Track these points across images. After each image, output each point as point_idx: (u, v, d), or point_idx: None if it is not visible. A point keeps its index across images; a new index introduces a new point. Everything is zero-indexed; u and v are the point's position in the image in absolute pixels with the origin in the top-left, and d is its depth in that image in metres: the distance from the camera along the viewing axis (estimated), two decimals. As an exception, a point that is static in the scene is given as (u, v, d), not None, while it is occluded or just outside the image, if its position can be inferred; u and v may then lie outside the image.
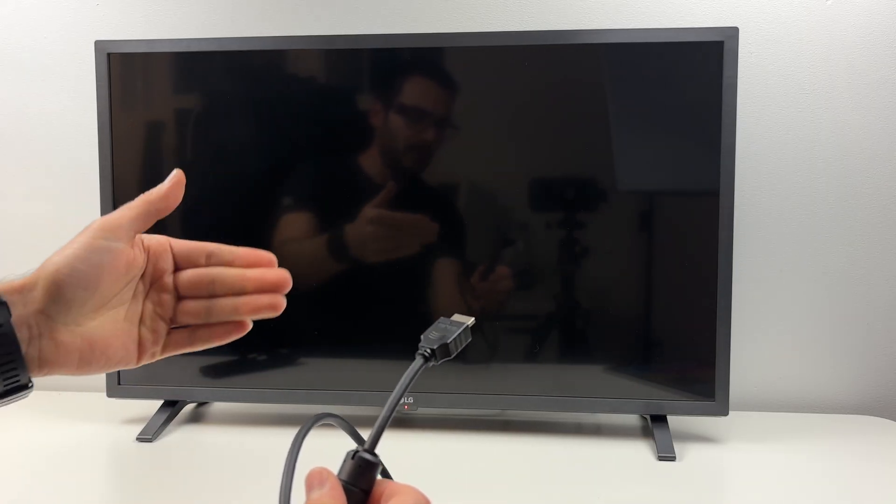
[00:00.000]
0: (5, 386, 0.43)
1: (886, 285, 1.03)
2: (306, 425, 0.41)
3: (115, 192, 0.95)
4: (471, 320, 0.47)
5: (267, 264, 0.51)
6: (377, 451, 0.42)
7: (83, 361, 0.46)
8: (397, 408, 0.43)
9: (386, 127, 0.92)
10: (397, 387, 0.42)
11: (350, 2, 1.07)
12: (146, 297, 0.50)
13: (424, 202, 0.94)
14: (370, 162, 0.93)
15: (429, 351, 0.45)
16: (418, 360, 0.44)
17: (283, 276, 0.51)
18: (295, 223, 0.94)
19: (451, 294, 0.93)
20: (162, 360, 0.99)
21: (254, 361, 0.96)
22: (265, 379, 0.96)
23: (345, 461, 0.41)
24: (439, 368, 0.95)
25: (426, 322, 0.97)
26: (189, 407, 1.04)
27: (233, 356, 0.96)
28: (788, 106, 1.02)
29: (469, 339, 0.47)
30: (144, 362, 0.50)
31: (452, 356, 0.45)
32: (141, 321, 0.49)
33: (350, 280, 0.94)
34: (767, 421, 0.99)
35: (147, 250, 0.49)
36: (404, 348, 0.97)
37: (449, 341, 0.45)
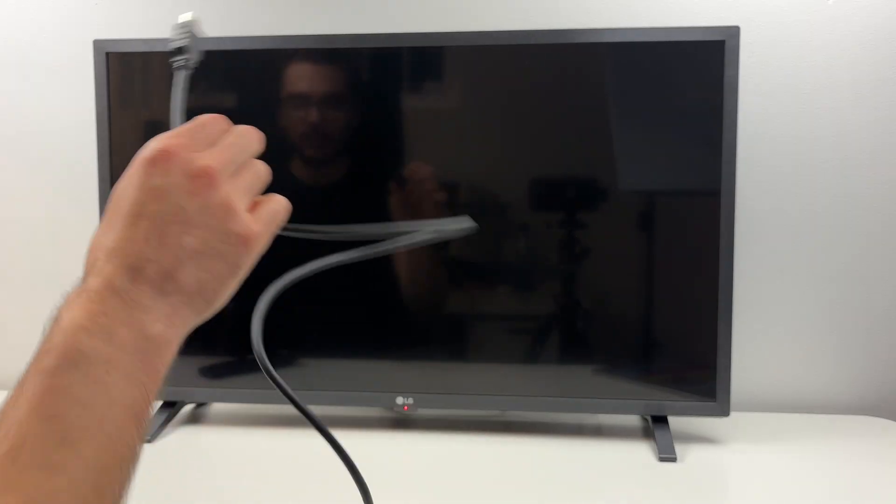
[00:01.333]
0: None
1: (887, 285, 1.03)
2: None
3: (114, 191, 0.95)
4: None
5: None
6: None
7: None
8: None
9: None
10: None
11: (351, 1, 1.07)
12: None
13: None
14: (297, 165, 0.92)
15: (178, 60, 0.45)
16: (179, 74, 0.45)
17: None
18: None
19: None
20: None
21: (253, 362, 0.95)
22: (264, 379, 0.95)
23: None
24: (439, 368, 0.95)
25: (426, 322, 0.97)
26: (188, 408, 1.03)
27: (232, 357, 0.96)
28: (790, 105, 1.02)
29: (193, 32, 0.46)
30: None
31: (193, 52, 0.47)
32: None
33: (349, 280, 0.94)
34: (768, 421, 0.99)
35: None
36: (405, 348, 0.97)
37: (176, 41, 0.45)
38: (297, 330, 0.95)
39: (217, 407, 1.06)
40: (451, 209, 0.92)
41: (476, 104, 0.92)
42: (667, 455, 0.85)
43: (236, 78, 0.94)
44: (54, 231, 1.13)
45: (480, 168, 0.92)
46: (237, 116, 0.89)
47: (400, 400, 0.93)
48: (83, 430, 0.31)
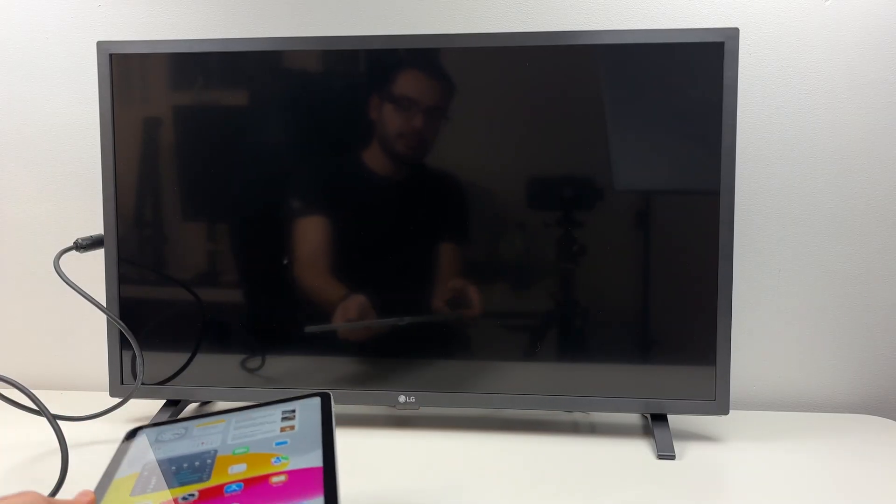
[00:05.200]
0: None
1: (886, 285, 1.04)
2: None
3: (118, 192, 0.95)
4: None
5: None
6: None
7: None
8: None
9: (384, 120, 0.92)
10: None
11: (348, 3, 1.07)
12: None
13: (426, 193, 0.94)
14: (373, 156, 0.93)
15: None
16: None
17: None
18: (308, 228, 0.95)
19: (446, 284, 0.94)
20: (164, 360, 1.00)
21: (255, 360, 0.97)
22: (266, 378, 0.96)
23: None
24: (441, 366, 0.95)
25: (426, 322, 0.97)
26: (191, 406, 1.04)
27: (235, 355, 0.97)
28: (788, 106, 1.02)
29: None
30: None
31: None
32: None
33: (351, 281, 0.95)
34: (768, 420, 0.99)
35: None
36: (406, 346, 0.98)
37: None
38: (298, 329, 0.96)
39: (220, 406, 1.07)
40: (450, 209, 0.93)
41: (477, 105, 0.92)
42: (666, 453, 0.86)
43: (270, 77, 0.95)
44: (58, 232, 1.14)
45: (480, 167, 0.93)
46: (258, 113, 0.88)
47: (402, 398, 0.93)
48: None
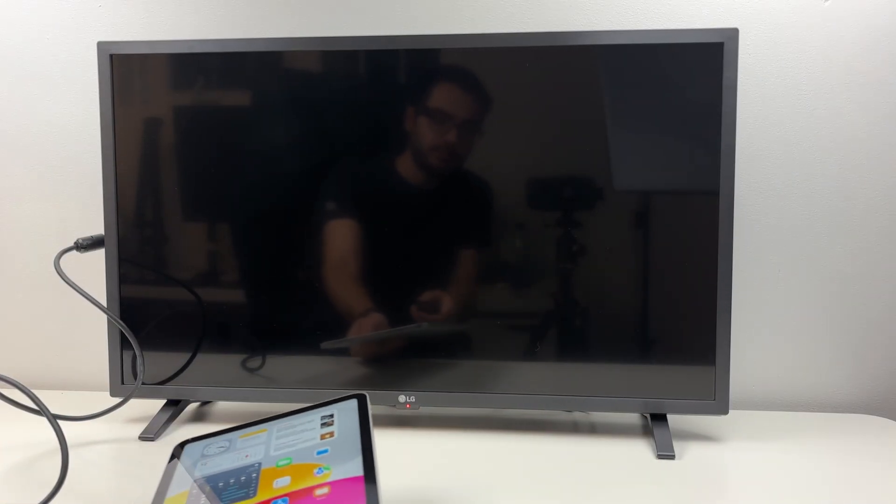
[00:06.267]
0: None
1: (885, 284, 1.04)
2: None
3: (119, 192, 0.96)
4: None
5: None
6: None
7: None
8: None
9: (417, 131, 0.92)
10: None
11: (348, 3, 1.07)
12: None
13: (446, 198, 0.94)
14: (403, 163, 0.93)
15: None
16: None
17: None
18: (332, 232, 0.95)
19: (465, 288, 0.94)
20: (165, 360, 1.01)
21: (256, 360, 0.97)
22: (267, 378, 0.96)
23: None
24: (438, 368, 0.95)
25: (444, 329, 0.96)
26: (192, 406, 1.04)
27: (235, 355, 0.97)
28: (787, 106, 1.02)
29: None
30: None
31: None
32: None
33: (372, 286, 0.95)
34: (767, 420, 0.99)
35: None
36: (407, 346, 0.98)
37: None
38: (299, 329, 0.96)
39: (221, 405, 1.07)
40: (448, 208, 0.93)
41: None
42: (665, 452, 0.86)
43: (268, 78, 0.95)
44: (59, 232, 1.14)
45: (480, 167, 0.93)
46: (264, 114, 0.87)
47: (402, 398, 0.93)
48: None
